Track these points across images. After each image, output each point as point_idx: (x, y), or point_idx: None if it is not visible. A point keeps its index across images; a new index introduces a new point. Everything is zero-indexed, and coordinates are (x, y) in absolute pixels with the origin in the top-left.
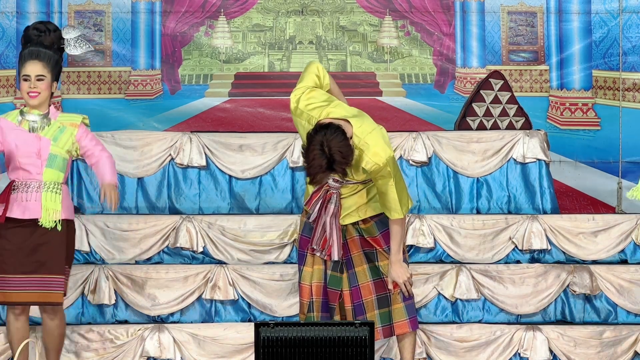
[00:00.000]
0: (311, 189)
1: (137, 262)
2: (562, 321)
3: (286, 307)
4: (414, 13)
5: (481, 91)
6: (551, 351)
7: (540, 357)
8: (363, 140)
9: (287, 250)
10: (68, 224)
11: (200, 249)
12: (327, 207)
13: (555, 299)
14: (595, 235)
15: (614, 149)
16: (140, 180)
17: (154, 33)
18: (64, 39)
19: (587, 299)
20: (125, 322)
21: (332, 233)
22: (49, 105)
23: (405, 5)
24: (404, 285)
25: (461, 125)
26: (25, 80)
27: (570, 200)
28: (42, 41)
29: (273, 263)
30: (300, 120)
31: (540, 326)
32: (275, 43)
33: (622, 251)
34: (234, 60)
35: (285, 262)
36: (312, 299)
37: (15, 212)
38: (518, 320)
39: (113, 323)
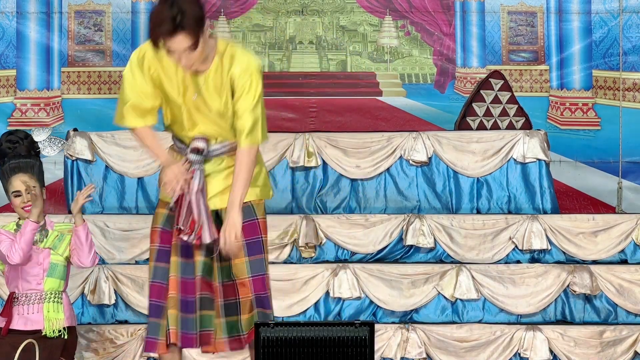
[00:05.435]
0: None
1: (137, 262)
2: (562, 321)
3: (286, 307)
4: (414, 13)
5: (481, 91)
6: (551, 351)
7: (540, 357)
8: (230, 46)
9: (287, 250)
10: (70, 330)
11: None
12: (190, 184)
13: (555, 299)
14: (595, 235)
15: (614, 149)
16: (140, 180)
17: None
18: (36, 142)
19: (587, 299)
20: (125, 322)
21: (201, 212)
22: (45, 215)
23: (405, 5)
24: (229, 245)
25: (461, 125)
26: (17, 196)
27: (570, 200)
28: (18, 152)
29: (273, 263)
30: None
31: (540, 326)
32: (275, 43)
33: (622, 251)
34: None
35: (285, 262)
36: (170, 295)
37: (17, 325)
38: (518, 320)
39: (113, 323)
